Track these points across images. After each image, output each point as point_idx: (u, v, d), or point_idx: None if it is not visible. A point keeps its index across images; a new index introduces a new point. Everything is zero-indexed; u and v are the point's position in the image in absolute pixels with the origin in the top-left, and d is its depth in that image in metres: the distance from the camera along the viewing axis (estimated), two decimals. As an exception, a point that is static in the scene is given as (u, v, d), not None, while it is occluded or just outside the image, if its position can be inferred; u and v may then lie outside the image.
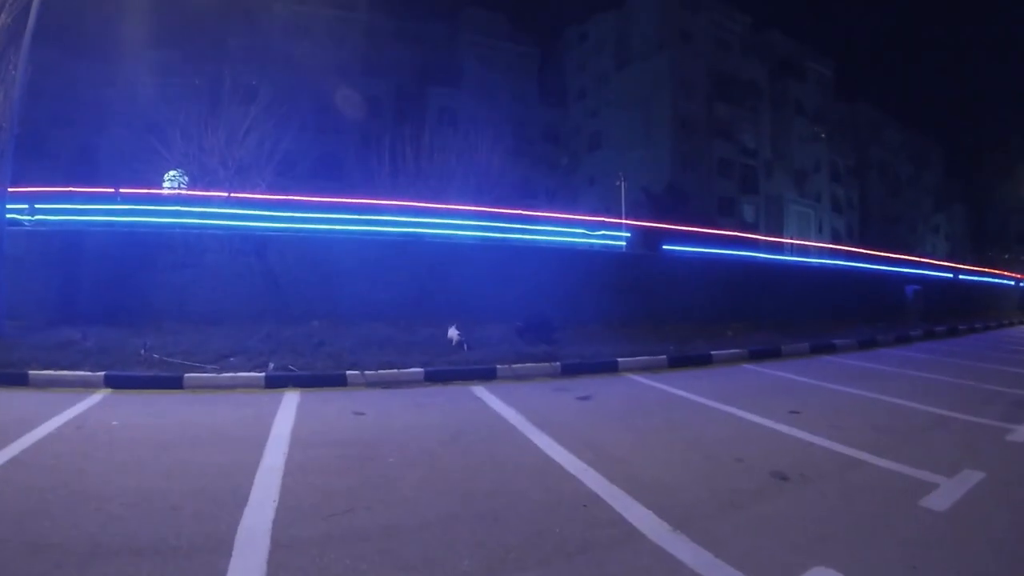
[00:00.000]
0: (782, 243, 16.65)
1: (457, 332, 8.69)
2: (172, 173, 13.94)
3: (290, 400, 5.70)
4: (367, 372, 6.60)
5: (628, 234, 13.73)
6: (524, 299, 11.37)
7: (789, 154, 43.34)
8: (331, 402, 5.71)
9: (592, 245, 13.52)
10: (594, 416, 5.57)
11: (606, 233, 13.78)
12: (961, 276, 26.90)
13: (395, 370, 6.79)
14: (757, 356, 10.08)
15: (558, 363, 7.84)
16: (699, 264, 14.18)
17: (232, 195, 11.86)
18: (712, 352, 9.49)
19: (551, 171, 41.64)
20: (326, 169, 29.88)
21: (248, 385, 6.19)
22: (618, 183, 26.36)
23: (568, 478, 3.71)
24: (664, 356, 8.82)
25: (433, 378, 6.89)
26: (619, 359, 8.36)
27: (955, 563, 2.73)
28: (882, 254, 20.91)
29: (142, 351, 6.83)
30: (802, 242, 16.19)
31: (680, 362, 8.84)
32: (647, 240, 13.57)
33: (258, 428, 4.65)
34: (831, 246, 19.02)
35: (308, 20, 33.78)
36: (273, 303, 9.08)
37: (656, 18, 40.76)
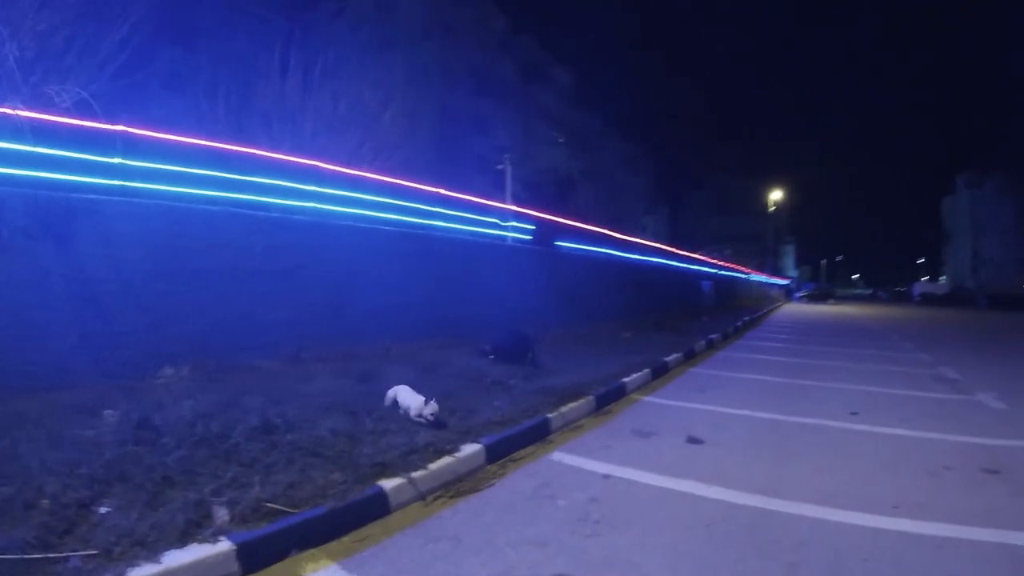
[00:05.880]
0: (624, 240, 17.18)
1: (427, 403, 4.44)
2: None
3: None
4: (415, 474, 3.60)
5: (533, 227, 11.97)
6: (433, 304, 8.92)
7: (534, 155, 47.22)
8: (456, 570, 2.72)
9: (505, 238, 11.34)
10: (773, 467, 4.24)
11: (515, 225, 11.73)
12: (719, 272, 33.16)
13: (449, 457, 3.92)
14: (688, 358, 10.02)
15: (592, 397, 5.98)
16: (588, 262, 13.39)
17: (18, 112, 5.22)
18: (666, 360, 8.95)
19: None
20: None
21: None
22: (500, 167, 23.71)
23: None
24: (648, 370, 7.91)
25: (493, 455, 4.27)
26: (624, 380, 7.00)
27: None
28: (684, 252, 23.77)
29: None
30: (632, 239, 16.93)
31: (655, 374, 8.08)
32: (546, 235, 12.12)
33: None
34: (645, 243, 20.73)
35: None
36: (90, 329, 4.45)
37: (421, 5, 39.48)
